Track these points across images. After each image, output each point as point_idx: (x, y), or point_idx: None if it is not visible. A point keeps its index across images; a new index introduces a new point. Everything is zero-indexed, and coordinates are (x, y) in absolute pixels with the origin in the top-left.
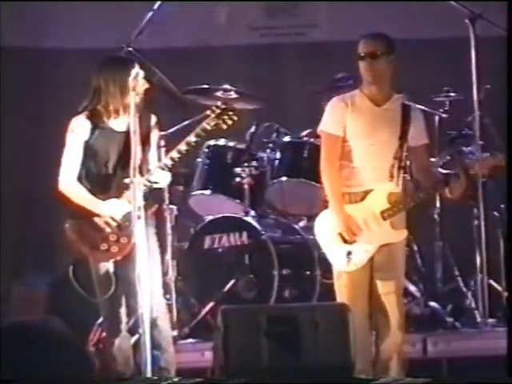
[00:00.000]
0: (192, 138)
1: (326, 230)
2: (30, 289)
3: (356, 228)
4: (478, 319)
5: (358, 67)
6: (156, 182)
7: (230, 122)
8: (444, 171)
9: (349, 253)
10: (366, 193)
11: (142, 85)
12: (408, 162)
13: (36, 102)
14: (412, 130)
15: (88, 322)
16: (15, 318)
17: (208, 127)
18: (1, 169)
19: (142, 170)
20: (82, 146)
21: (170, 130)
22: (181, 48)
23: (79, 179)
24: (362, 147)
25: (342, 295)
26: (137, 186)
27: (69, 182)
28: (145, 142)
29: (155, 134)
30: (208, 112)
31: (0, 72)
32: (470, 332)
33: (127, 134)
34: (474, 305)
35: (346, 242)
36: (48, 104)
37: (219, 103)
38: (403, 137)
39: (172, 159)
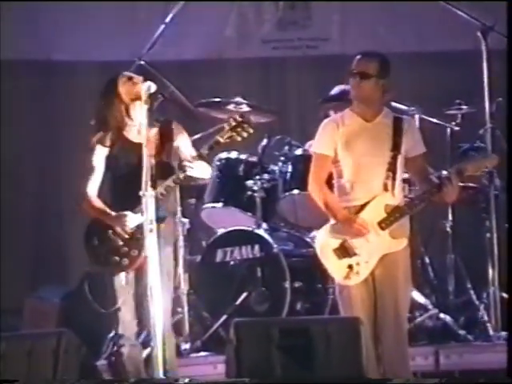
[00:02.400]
0: (205, 151)
1: (325, 245)
2: (42, 302)
3: (362, 225)
4: (491, 332)
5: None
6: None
7: (244, 135)
8: (436, 177)
9: (350, 266)
10: (363, 206)
11: (149, 96)
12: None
13: (48, 114)
14: (406, 141)
15: (101, 334)
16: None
17: (221, 140)
18: (14, 181)
19: (157, 179)
20: (103, 161)
21: None
22: (193, 61)
23: (103, 193)
24: (355, 163)
25: (345, 309)
26: (149, 198)
27: (89, 197)
28: (163, 150)
29: (183, 138)
30: (225, 125)
31: (13, 84)
32: (482, 345)
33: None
34: (486, 317)
35: (346, 255)
36: (60, 116)
37: (237, 116)
38: (395, 149)
39: (184, 172)
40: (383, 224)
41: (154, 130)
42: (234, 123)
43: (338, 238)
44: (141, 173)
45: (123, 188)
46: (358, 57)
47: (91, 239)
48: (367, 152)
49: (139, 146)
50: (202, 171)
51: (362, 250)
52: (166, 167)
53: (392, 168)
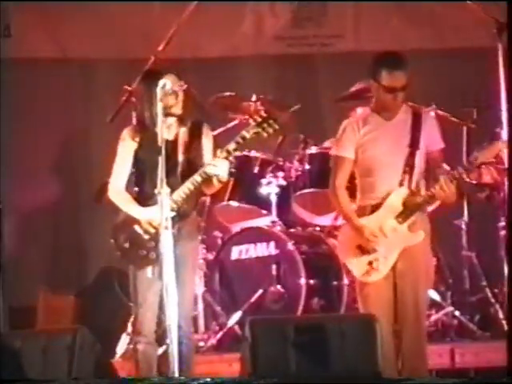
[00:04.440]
0: (231, 146)
1: (346, 243)
2: (57, 298)
3: (371, 235)
4: (506, 330)
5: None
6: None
7: (270, 131)
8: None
9: (370, 263)
10: (380, 203)
11: (178, 88)
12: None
13: (64, 112)
14: (424, 135)
15: (116, 331)
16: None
17: (247, 135)
18: (29, 177)
19: (185, 177)
20: (132, 155)
21: None
22: (208, 58)
23: (130, 187)
24: (377, 162)
25: (365, 306)
26: (164, 197)
27: (116, 190)
28: (192, 150)
29: (208, 142)
30: (250, 121)
31: (29, 82)
32: (498, 343)
33: (175, 142)
34: (501, 315)
35: (365, 252)
36: (76, 114)
37: (262, 112)
38: (413, 144)
39: (214, 167)
40: (400, 218)
41: (184, 130)
42: (259, 119)
43: (370, 234)
44: (167, 168)
45: (149, 183)
46: (389, 71)
47: (118, 233)
48: (388, 151)
49: (168, 142)
50: (222, 170)
51: (380, 246)
52: (193, 165)
53: (410, 162)
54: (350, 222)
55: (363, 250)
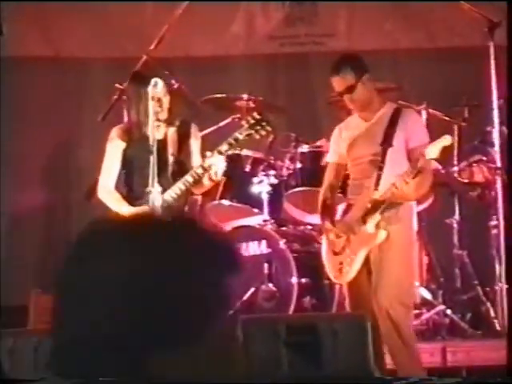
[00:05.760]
0: (224, 147)
1: (325, 246)
2: (49, 297)
3: (336, 236)
4: (498, 328)
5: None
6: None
7: (263, 133)
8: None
9: (340, 263)
10: (352, 203)
11: (163, 94)
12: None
13: (57, 111)
14: (401, 132)
15: None
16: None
17: (240, 137)
18: (21, 177)
19: (176, 177)
20: (121, 155)
21: None
22: (200, 57)
23: (120, 186)
24: (360, 163)
25: (349, 305)
26: (155, 195)
27: (106, 189)
28: (181, 149)
29: (196, 142)
30: (243, 122)
31: (22, 81)
32: (489, 341)
33: (164, 141)
34: (493, 314)
35: (336, 253)
36: (70, 113)
37: (255, 114)
38: (385, 142)
39: (203, 168)
40: (365, 217)
41: (173, 129)
42: (252, 121)
43: (334, 236)
44: (155, 168)
45: (138, 183)
46: (332, 77)
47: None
48: (367, 151)
49: (157, 141)
50: (220, 166)
51: (347, 247)
52: (182, 165)
53: (379, 159)
54: (322, 223)
55: (334, 251)
